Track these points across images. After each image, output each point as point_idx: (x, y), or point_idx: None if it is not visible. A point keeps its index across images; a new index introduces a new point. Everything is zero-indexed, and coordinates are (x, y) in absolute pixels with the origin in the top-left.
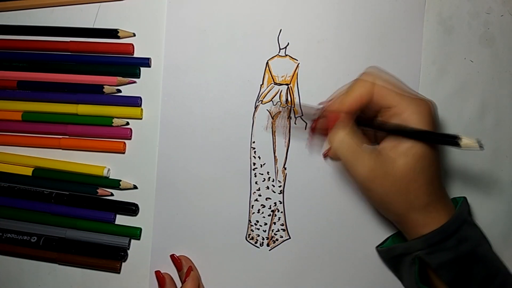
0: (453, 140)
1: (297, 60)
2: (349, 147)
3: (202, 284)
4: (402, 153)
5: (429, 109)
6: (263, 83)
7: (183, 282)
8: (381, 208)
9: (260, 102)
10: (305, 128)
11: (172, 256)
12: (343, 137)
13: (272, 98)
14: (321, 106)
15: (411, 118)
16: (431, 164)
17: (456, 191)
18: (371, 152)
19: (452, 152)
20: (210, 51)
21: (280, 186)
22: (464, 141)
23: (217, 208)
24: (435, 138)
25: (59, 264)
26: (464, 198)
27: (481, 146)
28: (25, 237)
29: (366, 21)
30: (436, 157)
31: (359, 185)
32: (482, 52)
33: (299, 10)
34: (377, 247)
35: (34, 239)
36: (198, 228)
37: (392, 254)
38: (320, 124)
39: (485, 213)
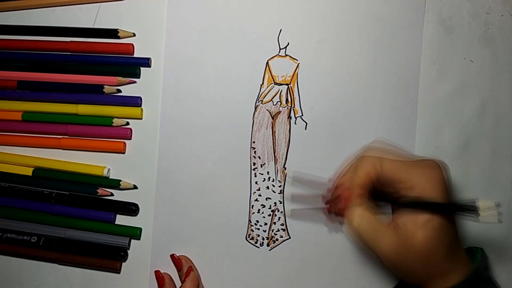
0: (473, 212)
1: (297, 60)
2: (369, 224)
3: (201, 284)
4: (420, 226)
5: (440, 174)
6: (263, 83)
7: (182, 282)
8: (401, 277)
9: (260, 102)
10: (305, 128)
11: (172, 256)
12: (361, 214)
13: (272, 98)
14: (329, 180)
15: (425, 192)
16: (450, 232)
17: (456, 191)
18: (390, 226)
19: (451, 152)
20: (210, 51)
21: (280, 186)
22: (483, 207)
23: (217, 208)
24: (453, 210)
25: (59, 264)
26: (481, 250)
27: (500, 219)
28: (25, 237)
29: (366, 21)
30: (453, 222)
31: (383, 260)
32: (482, 52)
33: (299, 10)
34: None
35: (34, 239)
36: (198, 228)
37: None
38: (333, 203)
39: None
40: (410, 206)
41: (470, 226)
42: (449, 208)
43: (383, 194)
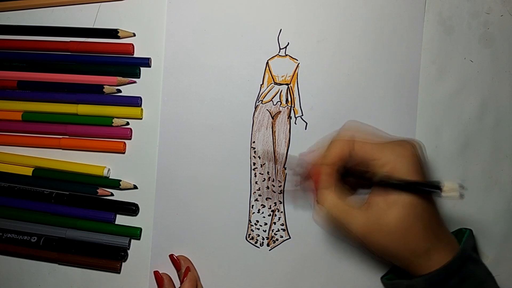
0: (436, 190)
1: (297, 60)
2: (338, 206)
3: (200, 284)
4: (392, 204)
5: (412, 154)
6: (263, 83)
7: (181, 282)
8: (382, 258)
9: (260, 102)
10: (305, 128)
11: (171, 256)
12: (331, 196)
13: (272, 98)
14: (303, 156)
15: (396, 169)
16: (425, 210)
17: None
18: (361, 207)
19: (451, 152)
20: (210, 51)
21: (280, 186)
22: (447, 187)
23: (217, 208)
24: (419, 188)
25: (59, 264)
26: (470, 231)
27: (461, 195)
28: (25, 237)
29: (366, 21)
30: (429, 202)
31: (357, 241)
32: (482, 52)
33: (299, 10)
34: (382, 277)
35: (34, 239)
36: (198, 228)
37: None
38: (305, 177)
39: (485, 213)
40: (381, 184)
41: (470, 225)
42: (416, 187)
43: (357, 173)
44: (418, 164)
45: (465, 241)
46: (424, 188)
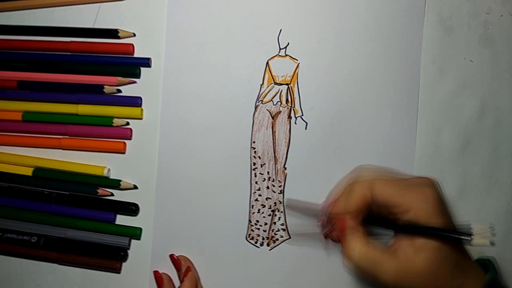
0: (465, 238)
1: (297, 60)
2: (367, 255)
3: (200, 284)
4: (419, 249)
5: (433, 194)
6: (263, 83)
7: (181, 282)
8: None
9: (260, 102)
10: (305, 128)
11: (171, 256)
12: (358, 246)
13: (272, 98)
14: (322, 205)
15: (420, 214)
16: (452, 250)
17: (455, 191)
18: (389, 253)
19: (451, 152)
20: (210, 51)
21: (280, 186)
22: (476, 240)
23: (217, 208)
24: (447, 235)
25: (59, 264)
26: (493, 258)
27: (492, 243)
28: (25, 237)
29: (366, 21)
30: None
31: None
32: (482, 52)
33: (299, 10)
34: None
35: (34, 239)
36: (198, 228)
37: None
38: (328, 229)
39: (485, 213)
40: (406, 230)
41: None
42: (444, 234)
43: (380, 218)
44: (441, 206)
45: (491, 272)
46: (453, 235)
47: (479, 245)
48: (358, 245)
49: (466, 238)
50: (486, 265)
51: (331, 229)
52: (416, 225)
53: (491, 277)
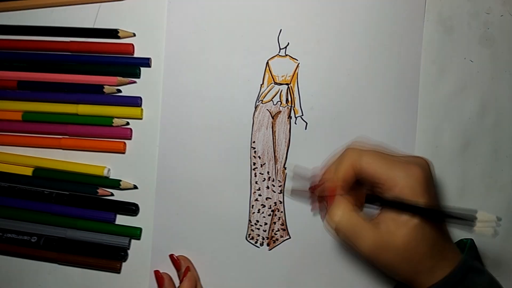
0: (468, 221)
1: (297, 60)
2: (349, 221)
3: (200, 284)
4: (402, 225)
5: (421, 175)
6: (263, 83)
7: (180, 281)
8: (386, 275)
9: (260, 102)
10: (305, 128)
11: (171, 256)
12: (342, 211)
13: (272, 98)
14: (315, 170)
15: (404, 192)
16: (432, 229)
17: (455, 191)
18: (370, 224)
19: (451, 152)
20: (211, 51)
21: (280, 186)
22: (479, 227)
23: (217, 208)
24: (432, 215)
25: (59, 264)
26: (471, 241)
27: (495, 232)
28: (25, 237)
29: (366, 21)
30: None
31: (363, 257)
32: (482, 52)
33: (299, 10)
34: None
35: (34, 239)
36: (198, 228)
37: None
38: (318, 192)
39: None
40: (391, 205)
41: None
42: (436, 214)
43: (366, 195)
44: (427, 185)
45: (466, 252)
46: (454, 219)
47: (481, 233)
48: (341, 209)
49: (467, 224)
50: (465, 246)
51: (321, 192)
52: (401, 201)
53: (465, 259)
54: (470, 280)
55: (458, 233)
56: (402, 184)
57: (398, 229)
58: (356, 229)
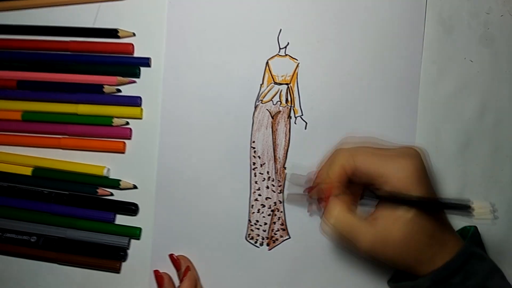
0: (464, 209)
1: (297, 59)
2: (345, 221)
3: (200, 284)
4: (398, 219)
5: (413, 166)
6: (263, 83)
7: (180, 281)
8: (388, 267)
9: (260, 101)
10: (305, 128)
11: (170, 256)
12: (338, 211)
13: (272, 98)
14: (310, 175)
15: (399, 185)
16: (428, 220)
17: (455, 191)
18: (366, 222)
19: (451, 152)
20: (210, 51)
21: (280, 186)
22: (477, 213)
23: (217, 208)
24: (428, 206)
25: (59, 264)
26: (474, 228)
27: (495, 217)
28: (25, 237)
29: (366, 21)
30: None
31: (362, 256)
32: (482, 52)
33: (299, 10)
34: (388, 281)
35: (34, 239)
36: (198, 228)
37: None
38: (315, 194)
39: None
40: (387, 199)
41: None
42: (431, 205)
43: (362, 190)
44: (420, 176)
45: (469, 238)
46: (452, 209)
47: (481, 217)
48: (337, 209)
49: (466, 211)
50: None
51: (317, 193)
52: (396, 195)
53: (465, 246)
54: (471, 266)
55: (460, 223)
56: (395, 178)
57: (395, 223)
58: (352, 228)
